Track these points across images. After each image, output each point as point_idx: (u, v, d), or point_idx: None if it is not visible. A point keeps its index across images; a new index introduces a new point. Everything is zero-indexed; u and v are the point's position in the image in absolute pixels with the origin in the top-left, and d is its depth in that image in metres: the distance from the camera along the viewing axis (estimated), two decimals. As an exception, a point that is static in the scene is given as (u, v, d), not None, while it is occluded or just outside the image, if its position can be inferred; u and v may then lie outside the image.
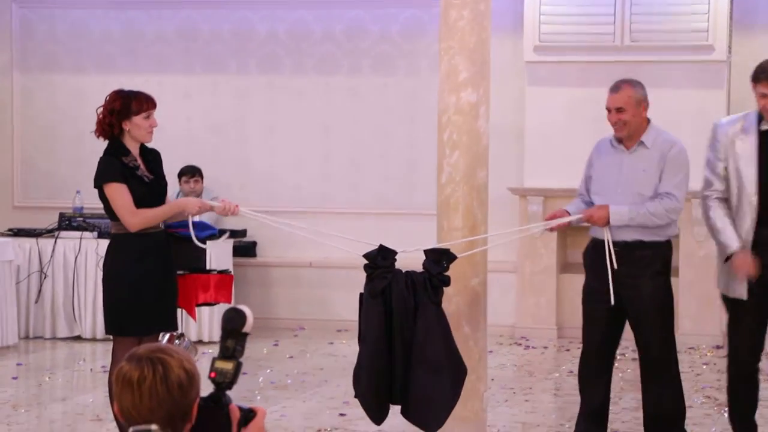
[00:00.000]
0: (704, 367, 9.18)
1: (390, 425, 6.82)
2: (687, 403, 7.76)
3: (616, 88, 6.12)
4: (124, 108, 6.01)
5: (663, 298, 6.07)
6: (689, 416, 7.39)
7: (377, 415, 6.09)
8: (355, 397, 6.20)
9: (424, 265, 6.02)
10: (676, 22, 10.20)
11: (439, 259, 5.99)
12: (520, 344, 10.17)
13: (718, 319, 10.15)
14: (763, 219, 5.84)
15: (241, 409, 2.90)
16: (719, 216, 5.91)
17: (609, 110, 6.10)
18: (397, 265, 6.03)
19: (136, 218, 5.99)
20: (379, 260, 6.01)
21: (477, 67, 6.70)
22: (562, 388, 8.25)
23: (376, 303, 5.97)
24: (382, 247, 6.04)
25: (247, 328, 2.93)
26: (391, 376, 6.00)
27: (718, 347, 9.96)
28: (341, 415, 7.31)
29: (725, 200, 5.94)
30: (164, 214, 6.06)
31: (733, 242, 5.83)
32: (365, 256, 6.04)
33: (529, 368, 9.10)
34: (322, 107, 11.20)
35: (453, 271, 6.59)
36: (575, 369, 8.11)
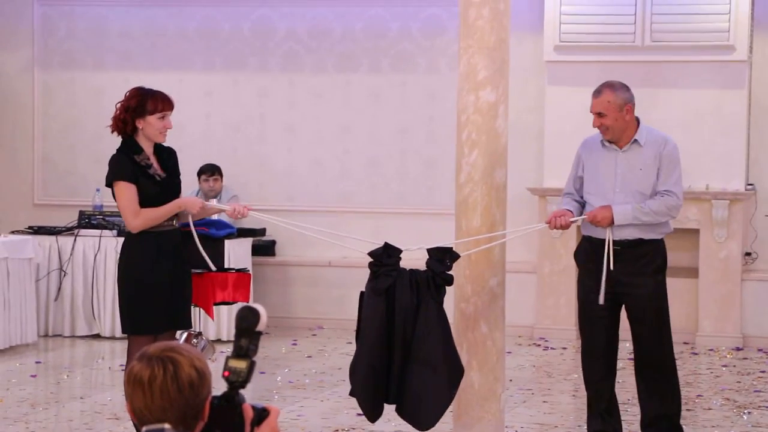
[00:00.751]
0: (723, 369, 9.14)
1: (405, 425, 6.82)
2: (706, 406, 7.76)
3: (597, 92, 6.13)
4: (140, 106, 6.01)
5: (662, 295, 6.10)
6: (707, 418, 7.38)
7: (372, 413, 6.09)
8: (350, 394, 6.20)
9: (427, 263, 6.03)
10: (696, 22, 10.15)
11: (442, 258, 6.02)
12: (539, 345, 10.14)
13: (739, 320, 10.11)
14: None
15: (254, 408, 2.89)
16: None
17: (593, 114, 6.13)
18: (402, 263, 6.04)
19: (137, 220, 6.00)
20: (384, 258, 6.03)
21: (496, 66, 6.68)
22: (581, 390, 8.19)
23: (379, 301, 5.98)
24: (387, 245, 6.07)
25: (261, 327, 2.91)
26: (388, 375, 6.01)
27: (738, 349, 9.92)
28: (359, 415, 7.29)
29: None
30: (166, 213, 6.05)
31: None
32: (370, 254, 6.06)
33: (548, 369, 9.08)
34: (342, 105, 11.19)
35: (471, 271, 6.58)
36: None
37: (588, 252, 6.16)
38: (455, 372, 6.10)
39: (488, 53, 6.67)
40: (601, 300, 6.03)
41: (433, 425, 6.18)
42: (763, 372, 8.99)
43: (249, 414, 2.87)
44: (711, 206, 10.06)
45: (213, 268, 6.16)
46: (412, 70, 11.07)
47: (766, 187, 10.36)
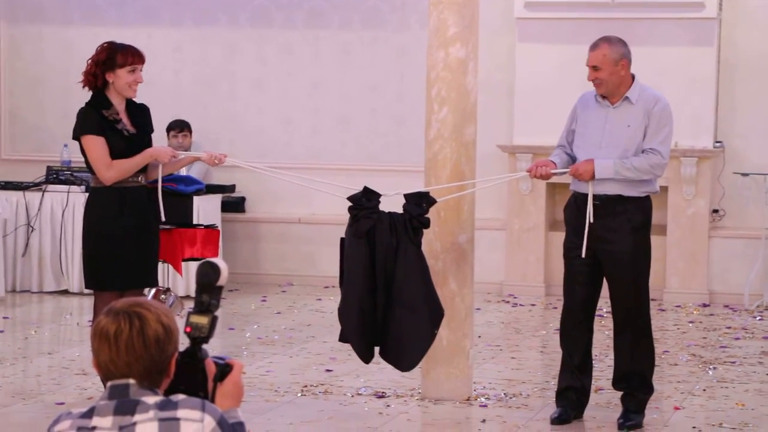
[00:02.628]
0: (690, 325, 9.20)
1: (372, 382, 6.85)
2: (672, 361, 7.82)
3: (594, 45, 6.11)
4: (110, 59, 5.99)
5: (640, 253, 6.09)
6: (673, 373, 7.44)
7: (365, 355, 6.15)
8: (340, 340, 6.24)
9: (404, 207, 6.09)
10: (667, -21, 10.14)
11: (419, 202, 6.09)
12: (508, 302, 10.18)
13: (705, 277, 10.18)
14: None
15: (217, 363, 2.88)
16: None
17: (588, 67, 6.11)
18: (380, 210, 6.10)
19: (110, 171, 5.97)
20: (364, 201, 6.08)
21: (466, 23, 6.67)
22: (549, 345, 8.26)
23: (361, 244, 6.03)
24: (366, 189, 6.12)
25: (221, 282, 2.91)
26: (375, 316, 6.06)
27: (704, 305, 9.99)
28: (327, 371, 7.33)
29: None
30: (138, 164, 6.03)
31: None
32: (350, 198, 6.11)
33: (516, 326, 9.12)
34: (312, 62, 11.14)
35: (440, 228, 6.61)
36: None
37: (572, 207, 6.17)
38: (436, 313, 6.15)
39: (458, 9, 6.66)
40: (583, 253, 6.04)
41: (414, 366, 6.24)
42: (729, 328, 9.07)
43: (211, 369, 2.86)
44: (679, 163, 10.10)
45: (163, 218, 6.13)
46: (382, 27, 11.02)
47: (734, 145, 10.40)
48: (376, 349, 6.18)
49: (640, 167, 5.98)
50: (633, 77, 6.12)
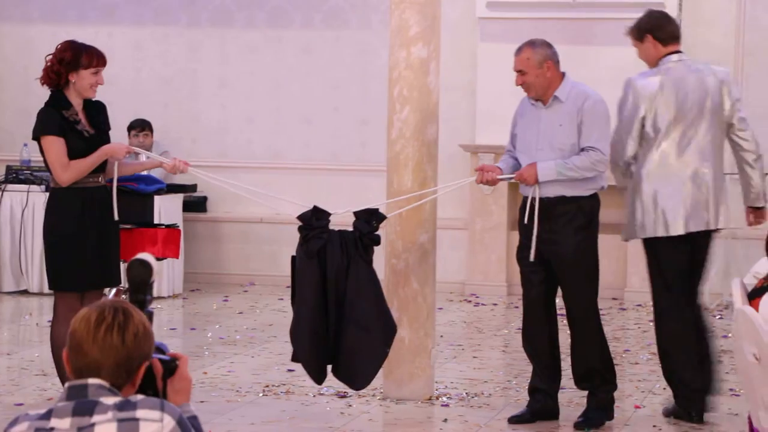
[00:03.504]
0: (651, 324, 9.21)
1: (335, 382, 6.84)
2: (633, 360, 7.86)
3: (518, 50, 6.13)
4: (74, 59, 6.00)
5: (585, 253, 6.08)
6: (634, 372, 7.48)
7: (318, 376, 6.14)
8: (293, 360, 6.23)
9: (354, 225, 6.07)
10: (628, -20, 10.19)
11: (369, 219, 6.08)
12: (470, 301, 10.20)
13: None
14: None
15: (162, 360, 2.86)
16: None
17: (515, 72, 6.13)
18: (331, 226, 6.08)
19: (66, 173, 5.98)
20: (314, 221, 6.06)
21: (428, 22, 6.68)
22: (511, 345, 8.28)
23: (312, 264, 6.01)
24: (316, 209, 6.10)
25: (153, 278, 2.92)
26: (327, 337, 6.04)
27: (665, 305, 10.03)
28: (289, 371, 7.31)
29: None
30: (93, 163, 6.03)
31: None
32: (300, 217, 6.09)
33: (479, 325, 9.14)
34: (274, 61, 11.12)
35: (402, 228, 6.61)
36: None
37: (522, 210, 6.19)
38: (388, 330, 6.15)
39: (420, 9, 6.66)
40: (532, 257, 6.06)
41: (367, 384, 6.23)
42: (690, 327, 9.10)
43: (158, 369, 2.85)
44: (641, 163, 10.13)
45: (116, 217, 6.11)
46: (344, 26, 11.02)
47: (694, 145, 10.44)
48: (329, 368, 6.17)
49: (582, 165, 5.98)
50: (563, 76, 6.10)
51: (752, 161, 6.40)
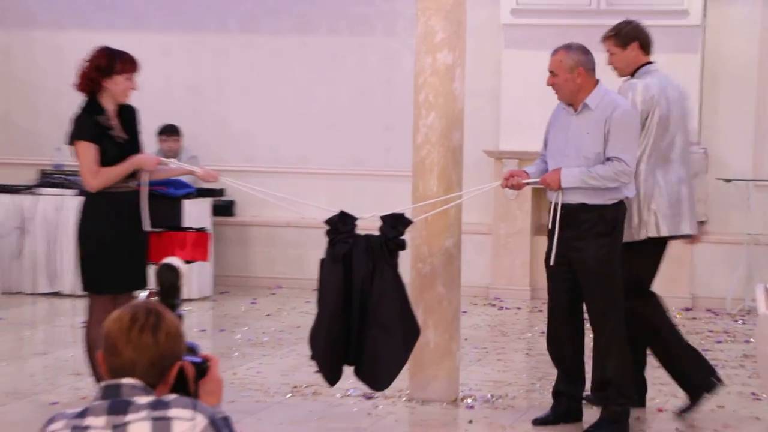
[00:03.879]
0: (674, 328, 9.23)
1: (361, 383, 6.86)
2: (656, 364, 7.81)
3: (554, 51, 6.10)
4: (109, 65, 6.06)
5: (606, 261, 6.00)
6: (657, 376, 7.46)
7: (331, 377, 6.15)
8: (311, 359, 6.25)
9: (380, 229, 6.08)
10: (651, -13, 10.19)
11: (395, 224, 6.08)
12: (494, 305, 10.21)
13: (688, 282, 10.21)
14: None
15: (193, 363, 2.89)
16: None
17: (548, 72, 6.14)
18: (358, 230, 6.10)
19: (95, 180, 6.04)
20: (340, 226, 6.08)
21: (453, 29, 6.70)
22: (534, 348, 8.30)
23: (337, 268, 6.03)
24: (342, 213, 6.11)
25: (182, 281, 2.95)
26: (347, 339, 6.06)
27: (687, 309, 10.03)
28: (317, 372, 7.33)
29: None
30: (123, 171, 6.09)
31: None
32: (327, 222, 6.10)
33: (503, 328, 9.15)
34: (300, 67, 11.16)
35: (427, 232, 6.63)
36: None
37: (548, 215, 6.19)
38: (410, 333, 6.15)
39: (445, 15, 6.68)
40: (552, 261, 6.05)
41: (388, 385, 6.25)
42: (711, 331, 9.10)
43: (190, 371, 2.87)
44: (663, 169, 10.13)
45: (147, 227, 6.16)
46: (370, 33, 11.04)
47: (717, 151, 10.43)
48: (347, 369, 6.18)
49: (605, 175, 5.93)
50: (596, 83, 6.05)
51: (695, 176, 6.57)
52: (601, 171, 5.93)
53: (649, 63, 6.47)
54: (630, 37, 6.45)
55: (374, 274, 6.05)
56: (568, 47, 6.08)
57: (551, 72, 6.05)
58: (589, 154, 5.96)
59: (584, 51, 6.07)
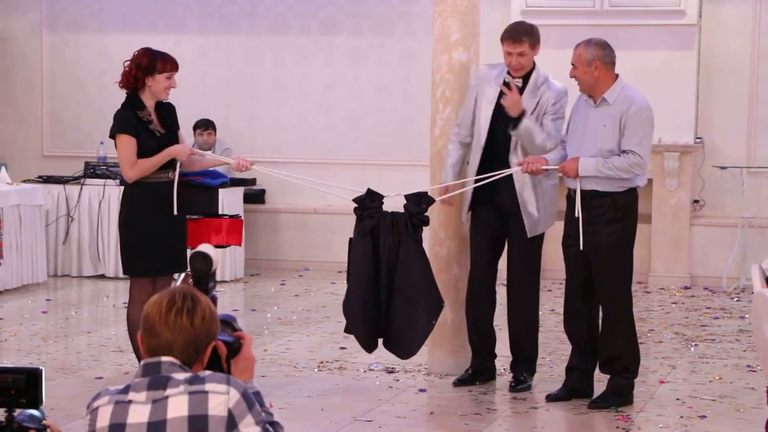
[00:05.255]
0: (673, 305, 9.18)
1: (383, 358, 6.83)
2: (657, 339, 7.78)
3: (576, 45, 6.04)
4: (151, 65, 6.05)
5: (616, 246, 5.93)
6: (658, 350, 7.42)
7: (368, 345, 6.14)
8: (346, 331, 6.23)
9: (405, 207, 6.07)
10: (651, -11, 10.12)
11: (418, 201, 6.07)
12: (506, 285, 10.13)
13: (687, 262, 10.15)
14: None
15: (225, 342, 2.85)
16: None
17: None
18: (384, 209, 6.08)
19: (132, 171, 6.03)
20: (368, 202, 6.07)
21: (468, 29, 6.66)
22: (544, 325, 8.21)
23: (365, 242, 6.03)
24: (369, 191, 6.12)
25: (215, 266, 2.93)
26: (377, 309, 6.04)
27: (686, 288, 9.96)
28: (342, 348, 7.32)
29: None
30: (158, 162, 6.07)
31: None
32: (355, 200, 6.10)
33: (514, 306, 9.07)
34: (325, 66, 11.12)
35: (444, 218, 6.59)
36: (557, 308, 8.12)
37: (567, 201, 6.13)
38: (434, 304, 6.13)
39: (461, 17, 6.64)
40: (582, 246, 5.96)
41: (413, 354, 6.22)
42: (709, 308, 9.04)
43: (223, 350, 2.84)
44: (663, 158, 10.07)
45: (175, 212, 6.13)
46: (390, 33, 11.00)
47: (713, 140, 10.36)
48: (380, 340, 6.15)
49: (620, 167, 5.86)
50: (616, 77, 5.99)
51: None
52: (617, 162, 5.87)
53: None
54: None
55: (399, 248, 6.05)
56: (588, 42, 6.02)
57: (573, 64, 6.00)
58: (605, 146, 5.90)
59: (603, 46, 5.99)
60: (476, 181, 6.28)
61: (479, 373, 6.42)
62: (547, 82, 6.27)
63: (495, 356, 6.51)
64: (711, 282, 10.03)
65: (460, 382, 6.38)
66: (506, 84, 6.25)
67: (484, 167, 6.26)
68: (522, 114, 6.09)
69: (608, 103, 5.93)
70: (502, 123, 6.19)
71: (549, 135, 6.15)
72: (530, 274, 6.40)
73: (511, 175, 6.16)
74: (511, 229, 6.31)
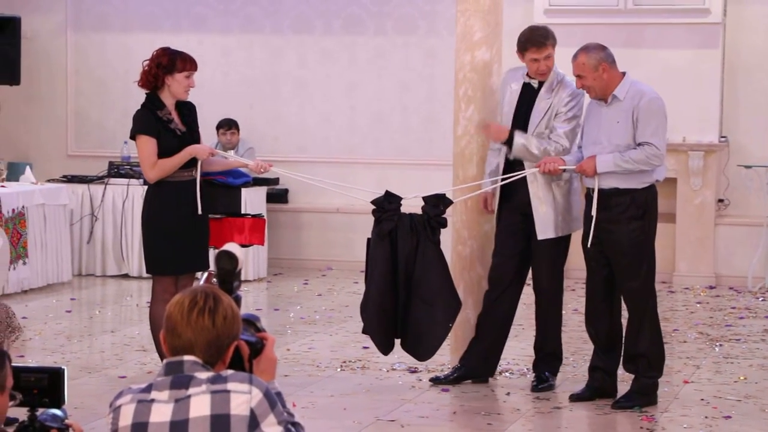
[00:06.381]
0: (697, 305, 9.13)
1: (406, 358, 6.82)
2: (681, 339, 7.74)
3: (574, 57, 5.98)
4: (170, 64, 6.05)
5: (638, 243, 5.91)
6: (683, 350, 7.38)
7: (385, 347, 6.13)
8: (363, 332, 6.23)
9: (423, 208, 6.06)
10: (675, -14, 10.07)
11: (437, 203, 6.07)
12: (529, 284, 10.08)
13: (712, 261, 10.10)
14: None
15: (248, 342, 2.85)
16: None
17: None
18: (402, 210, 6.07)
19: (153, 172, 6.05)
20: (386, 204, 6.06)
21: (491, 28, 6.65)
22: (567, 324, 8.19)
23: (383, 244, 6.02)
24: (387, 193, 6.11)
25: (240, 266, 2.92)
26: (395, 311, 6.04)
27: (710, 287, 9.91)
28: (364, 348, 7.31)
29: None
30: (178, 162, 6.08)
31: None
32: (373, 202, 6.09)
33: (537, 306, 9.05)
34: (349, 65, 11.12)
35: (467, 217, 6.58)
36: (580, 307, 8.09)
37: (584, 200, 6.13)
38: (452, 306, 6.12)
39: (483, 16, 6.63)
40: (590, 244, 5.96)
41: (430, 356, 6.21)
42: (734, 308, 8.99)
43: (245, 351, 2.84)
44: (687, 157, 10.02)
45: (200, 211, 6.13)
46: (413, 32, 10.99)
47: (737, 139, 10.31)
48: (397, 341, 6.15)
49: (638, 159, 5.86)
50: (623, 75, 5.97)
51: None
52: (634, 155, 5.86)
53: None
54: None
55: (417, 249, 6.04)
56: (585, 49, 5.99)
57: (578, 76, 5.97)
58: (620, 142, 5.90)
59: (601, 47, 5.99)
60: (494, 182, 6.30)
61: (470, 371, 6.42)
62: (563, 81, 6.26)
63: (495, 357, 6.48)
64: (736, 282, 9.98)
65: (436, 380, 6.37)
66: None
67: (506, 168, 6.29)
68: (511, 136, 6.12)
69: (619, 99, 5.93)
70: (521, 124, 6.20)
71: (549, 140, 6.13)
72: (552, 274, 6.37)
73: (528, 176, 6.17)
74: (532, 230, 6.30)
